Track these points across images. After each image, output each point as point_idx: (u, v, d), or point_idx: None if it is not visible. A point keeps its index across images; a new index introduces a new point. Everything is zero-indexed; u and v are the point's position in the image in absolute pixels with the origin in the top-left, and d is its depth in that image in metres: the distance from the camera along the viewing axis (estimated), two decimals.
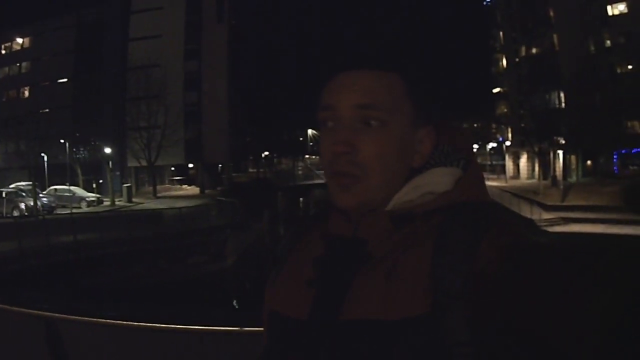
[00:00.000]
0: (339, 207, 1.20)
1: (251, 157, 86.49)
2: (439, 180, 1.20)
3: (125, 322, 3.00)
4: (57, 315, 3.13)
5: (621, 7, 49.18)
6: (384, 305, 1.07)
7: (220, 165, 69.32)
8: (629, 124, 48.00)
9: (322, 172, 1.22)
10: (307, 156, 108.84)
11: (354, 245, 1.19)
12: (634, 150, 47.77)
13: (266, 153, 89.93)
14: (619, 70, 48.57)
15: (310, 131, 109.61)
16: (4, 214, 37.53)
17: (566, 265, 0.95)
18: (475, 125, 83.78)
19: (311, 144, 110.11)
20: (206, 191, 57.55)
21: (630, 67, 47.36)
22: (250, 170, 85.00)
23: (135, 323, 2.98)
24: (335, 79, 1.21)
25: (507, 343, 0.98)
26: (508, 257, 1.03)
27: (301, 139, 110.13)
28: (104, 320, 3.03)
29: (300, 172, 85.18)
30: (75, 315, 3.14)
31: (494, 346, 0.99)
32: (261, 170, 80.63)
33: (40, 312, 3.14)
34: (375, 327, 1.06)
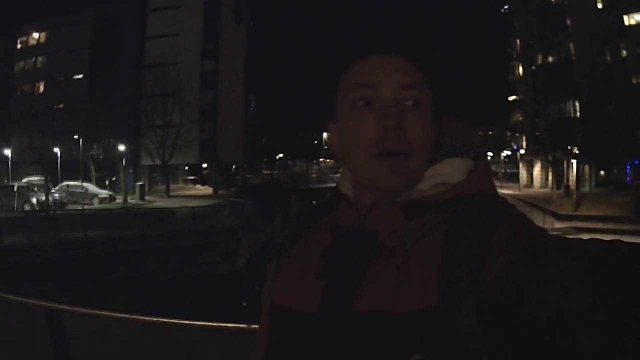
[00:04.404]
0: (384, 190, 1.18)
1: (265, 159, 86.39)
2: (452, 171, 1.19)
3: (127, 315, 3.01)
4: (59, 306, 3.14)
5: (638, 18, 48.96)
6: (396, 298, 1.06)
7: (234, 166, 69.35)
8: None
9: (334, 174, 1.20)
10: (321, 160, 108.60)
11: (364, 237, 1.17)
12: None
13: (280, 155, 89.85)
14: (634, 81, 48.24)
15: (325, 134, 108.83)
16: (16, 208, 37.66)
17: (580, 261, 0.93)
18: (490, 132, 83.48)
19: (326, 147, 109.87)
20: (219, 192, 57.51)
21: None
22: (264, 172, 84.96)
23: (138, 317, 2.98)
24: (366, 61, 1.21)
25: (518, 337, 0.96)
26: (520, 250, 1.00)
27: (316, 142, 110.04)
28: (106, 313, 3.04)
29: (314, 176, 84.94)
30: (78, 307, 3.15)
31: (504, 340, 0.99)
32: (275, 172, 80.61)
33: (42, 303, 3.15)
34: (387, 320, 1.05)
